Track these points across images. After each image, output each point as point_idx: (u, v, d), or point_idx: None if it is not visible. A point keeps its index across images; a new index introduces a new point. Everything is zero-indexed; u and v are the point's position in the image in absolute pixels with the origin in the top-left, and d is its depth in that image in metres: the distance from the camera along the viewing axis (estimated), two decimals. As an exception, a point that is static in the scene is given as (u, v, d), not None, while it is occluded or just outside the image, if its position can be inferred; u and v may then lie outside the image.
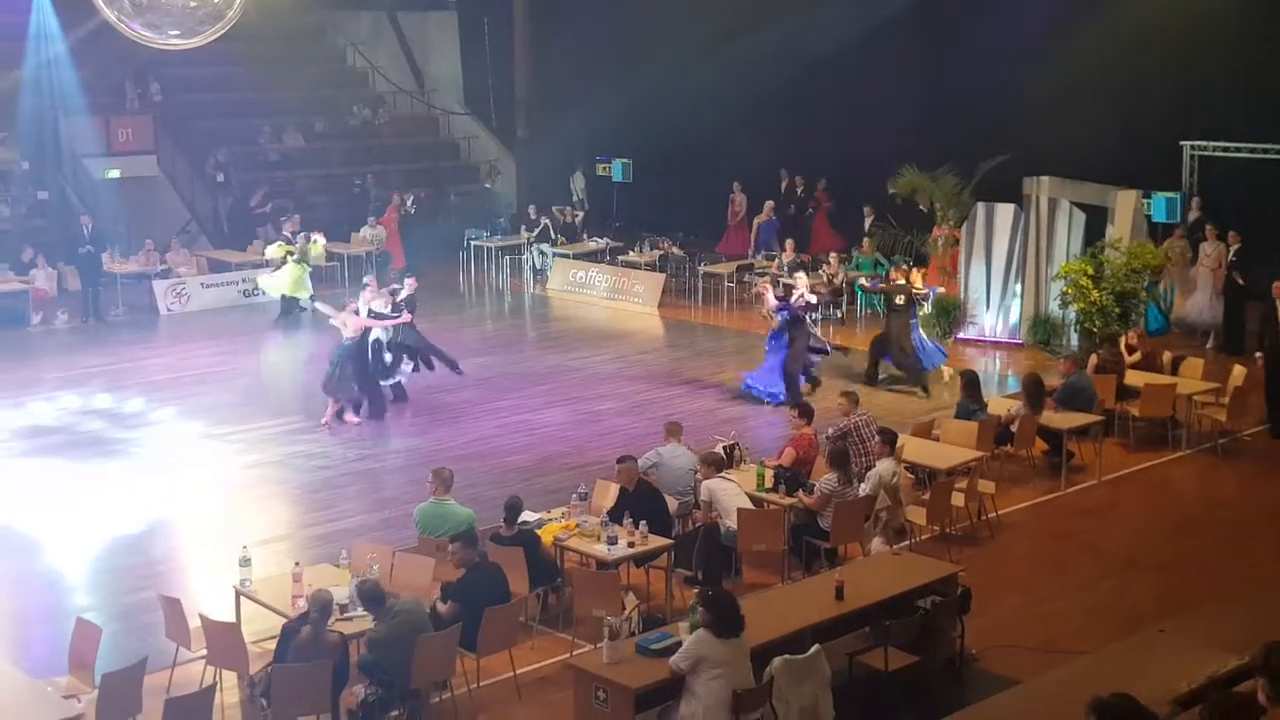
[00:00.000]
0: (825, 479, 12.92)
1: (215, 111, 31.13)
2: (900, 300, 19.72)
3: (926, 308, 21.34)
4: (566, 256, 27.50)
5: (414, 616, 10.32)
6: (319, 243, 25.07)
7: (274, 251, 24.86)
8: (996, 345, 22.02)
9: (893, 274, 20.74)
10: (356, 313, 18.09)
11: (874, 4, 25.03)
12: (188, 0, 16.43)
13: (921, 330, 20.12)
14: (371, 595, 10.28)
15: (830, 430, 14.50)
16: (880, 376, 19.81)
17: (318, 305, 18.68)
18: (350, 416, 18.01)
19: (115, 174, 28.91)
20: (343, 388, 17.91)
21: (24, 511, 15.02)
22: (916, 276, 20.45)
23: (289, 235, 25.24)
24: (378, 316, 18.31)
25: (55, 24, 26.41)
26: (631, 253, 27.29)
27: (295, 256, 24.28)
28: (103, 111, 28.82)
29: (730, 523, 12.67)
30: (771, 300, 19.10)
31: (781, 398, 18.41)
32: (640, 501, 12.55)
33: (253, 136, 30.74)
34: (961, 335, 22.17)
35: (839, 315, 23.84)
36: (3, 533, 14.48)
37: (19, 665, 10.41)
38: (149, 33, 16.62)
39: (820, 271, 23.97)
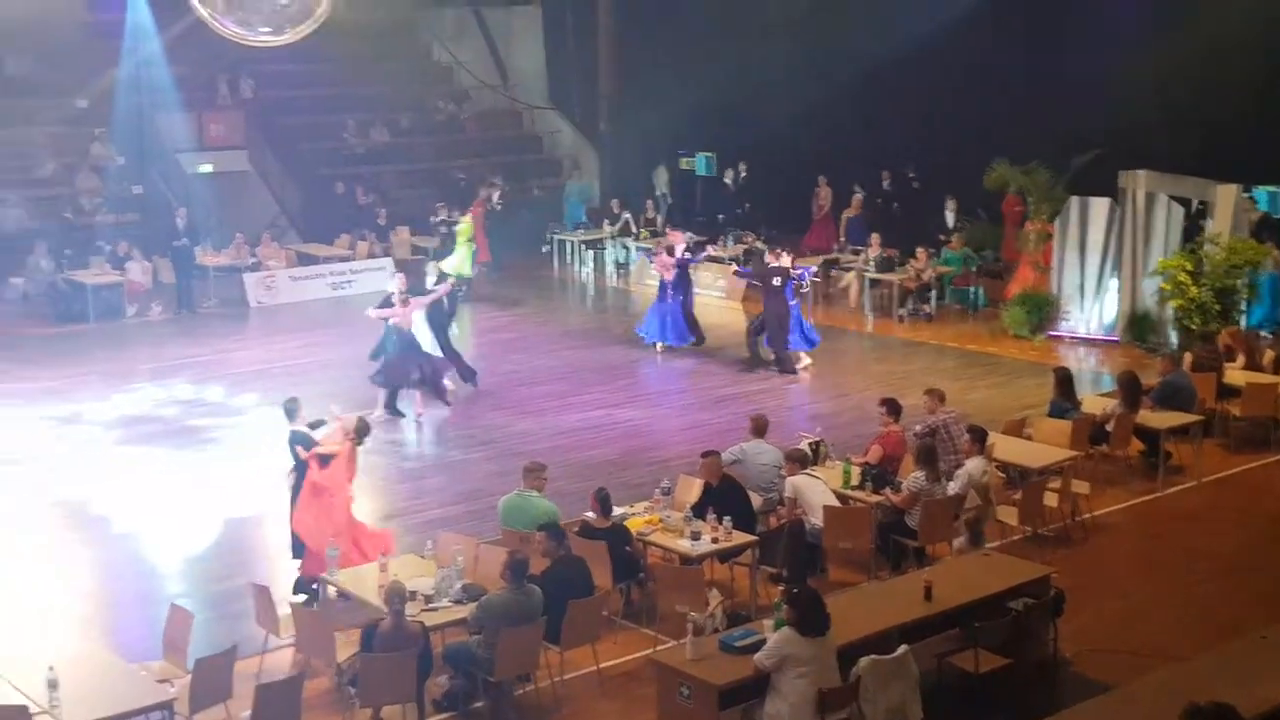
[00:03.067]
0: (913, 477, 12.79)
1: (304, 107, 31.43)
2: (777, 282, 20.07)
3: (805, 287, 21.89)
4: (649, 250, 27.42)
5: (535, 604, 10.38)
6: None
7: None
8: (1090, 342, 21.68)
9: (769, 256, 21.24)
10: (404, 302, 18.07)
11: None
12: (278, -1, 16.59)
13: (801, 312, 20.75)
14: (519, 567, 10.35)
15: (918, 427, 14.34)
16: (761, 358, 20.45)
17: (368, 311, 18.73)
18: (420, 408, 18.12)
19: (207, 169, 29.29)
20: (400, 376, 17.89)
21: (119, 499, 15.27)
22: (787, 259, 20.70)
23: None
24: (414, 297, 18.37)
25: (151, 22, 26.78)
26: (714, 247, 27.17)
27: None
28: (196, 107, 29.20)
29: (816, 520, 12.58)
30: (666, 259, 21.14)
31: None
32: (724, 497, 12.50)
33: (339, 132, 31.00)
34: (1054, 332, 21.87)
35: (928, 311, 23.58)
36: (99, 520, 14.75)
37: (115, 649, 10.58)
38: (241, 30, 16.82)
39: (908, 266, 23.73)
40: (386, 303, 18.17)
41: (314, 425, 13.17)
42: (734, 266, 25.19)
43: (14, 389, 19.53)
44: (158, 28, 26.65)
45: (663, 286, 21.65)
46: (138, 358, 21.42)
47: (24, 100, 27.89)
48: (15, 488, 15.64)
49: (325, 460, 12.66)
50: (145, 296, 24.64)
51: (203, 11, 16.06)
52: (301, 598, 12.08)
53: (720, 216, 29.03)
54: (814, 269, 23.05)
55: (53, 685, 9.00)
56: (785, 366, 20.10)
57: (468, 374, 19.23)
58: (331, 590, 11.60)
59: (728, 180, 28.89)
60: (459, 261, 24.74)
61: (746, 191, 29.52)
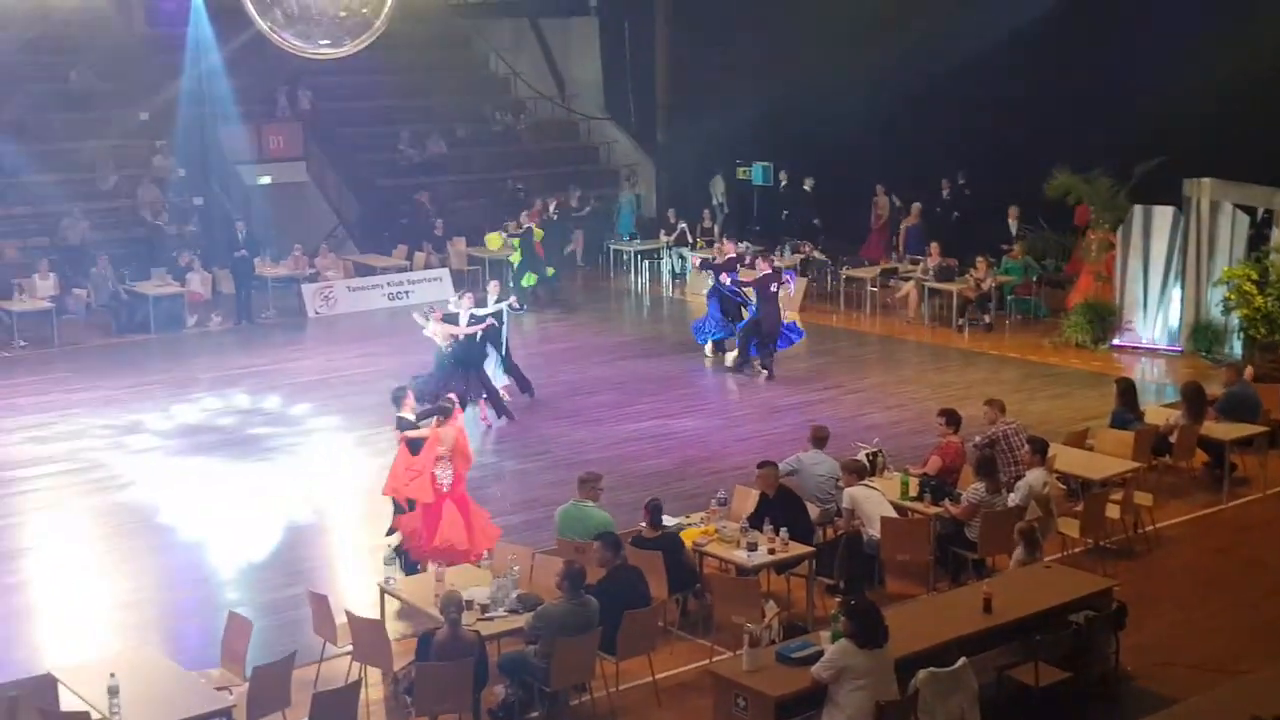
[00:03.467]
0: (972, 488, 12.67)
1: (362, 119, 31.65)
2: (775, 289, 20.46)
3: (790, 287, 22.08)
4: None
5: (592, 614, 10.37)
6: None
7: (493, 241, 25.63)
8: (1153, 352, 21.45)
9: (760, 264, 21.43)
10: (443, 320, 18.09)
11: (1024, 2, 24.50)
12: (337, 10, 16.66)
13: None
14: (576, 577, 10.36)
15: (977, 438, 14.21)
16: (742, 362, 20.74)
17: (414, 315, 18.77)
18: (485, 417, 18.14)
19: (266, 180, 29.56)
20: (448, 386, 17.85)
21: (179, 508, 15.39)
22: (779, 262, 21.63)
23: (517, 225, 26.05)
24: (473, 321, 18.26)
25: (211, 35, 27.05)
26: (771, 256, 27.06)
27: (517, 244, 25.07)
28: (255, 120, 29.49)
29: (873, 531, 12.49)
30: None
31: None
32: (781, 507, 12.44)
33: (396, 143, 31.18)
34: (1116, 342, 21.64)
35: (987, 320, 23.39)
36: (159, 528, 14.87)
37: (174, 657, 10.63)
38: (300, 42, 16.90)
39: (968, 276, 23.54)
40: (451, 319, 18.24)
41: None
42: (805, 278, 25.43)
43: (77, 398, 19.75)
44: (218, 41, 26.91)
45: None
46: (198, 367, 21.61)
47: (87, 114, 28.27)
48: (77, 496, 15.82)
49: (415, 445, 13.06)
50: (205, 307, 24.85)
51: (263, 24, 16.14)
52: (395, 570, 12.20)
53: (785, 213, 28.97)
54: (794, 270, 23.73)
55: (113, 692, 9.06)
56: (766, 363, 20.52)
57: (524, 385, 19.24)
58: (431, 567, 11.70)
59: (807, 187, 28.68)
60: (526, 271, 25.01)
61: (794, 200, 29.41)
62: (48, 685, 9.81)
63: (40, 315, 23.34)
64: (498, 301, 19.00)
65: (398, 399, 14.00)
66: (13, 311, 23.04)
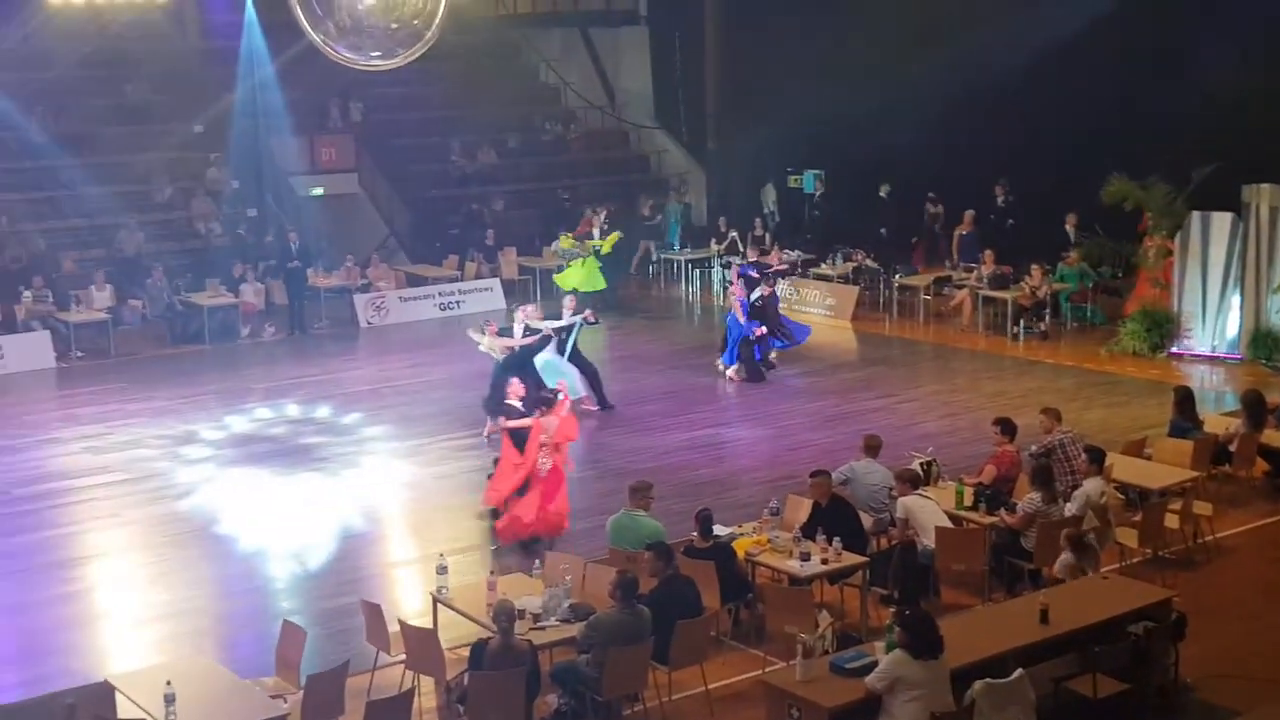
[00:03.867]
0: (1028, 498, 12.56)
1: (412, 130, 31.79)
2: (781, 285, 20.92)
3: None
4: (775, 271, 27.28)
5: (644, 623, 10.34)
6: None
7: (562, 244, 25.72)
8: (1212, 360, 21.20)
9: (772, 257, 22.71)
10: (498, 333, 18.04)
11: (1080, 6, 24.29)
12: (389, 22, 16.74)
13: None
14: (629, 586, 10.34)
15: (1033, 447, 14.08)
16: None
17: (468, 331, 18.78)
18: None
19: (319, 191, 29.75)
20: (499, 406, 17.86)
21: (233, 517, 15.49)
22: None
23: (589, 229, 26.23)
24: (528, 333, 18.22)
25: (265, 48, 27.25)
26: (824, 265, 27.00)
27: (591, 249, 25.22)
28: (307, 131, 29.71)
29: (928, 541, 12.40)
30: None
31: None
32: (834, 517, 12.38)
33: (447, 154, 31.30)
34: (1174, 350, 21.40)
35: (1042, 328, 23.19)
36: (214, 537, 14.98)
37: (229, 665, 10.69)
38: (352, 54, 16.99)
39: (1023, 283, 23.33)
40: (505, 333, 18.27)
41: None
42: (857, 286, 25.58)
43: (133, 408, 19.93)
44: (271, 54, 27.11)
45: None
46: (251, 378, 21.75)
47: (143, 126, 28.54)
48: (133, 505, 15.93)
49: (519, 436, 14.11)
50: (259, 318, 25.02)
51: (315, 37, 16.24)
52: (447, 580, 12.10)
53: (815, 212, 28.94)
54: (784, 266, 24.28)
55: (169, 700, 9.11)
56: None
57: (603, 402, 19.22)
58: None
59: (882, 194, 28.51)
60: (587, 276, 25.15)
61: (830, 206, 29.34)
62: (105, 693, 9.89)
63: (97, 326, 23.58)
64: (574, 315, 19.00)
65: (504, 388, 15.22)
66: (70, 323, 23.27)
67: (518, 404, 14.97)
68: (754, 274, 21.75)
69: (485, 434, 17.76)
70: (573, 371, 18.58)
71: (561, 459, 13.99)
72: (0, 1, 26.75)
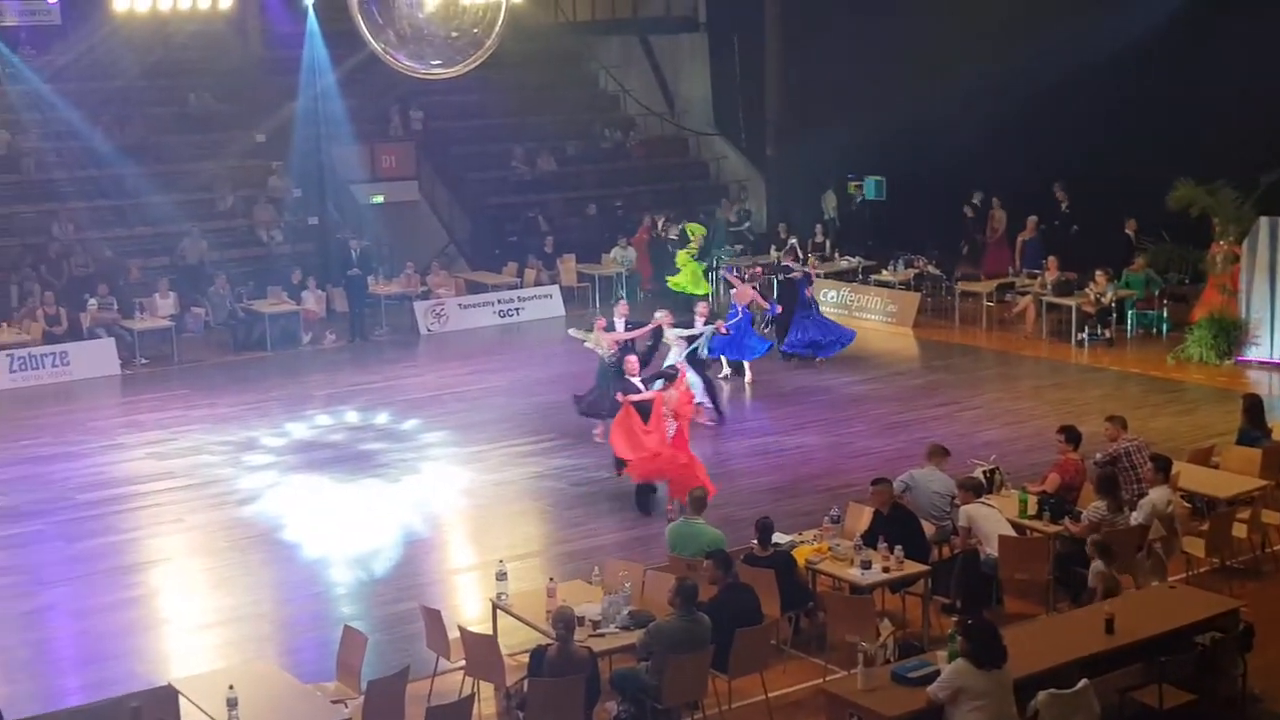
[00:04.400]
0: (1093, 506, 12.41)
1: (472, 137, 31.94)
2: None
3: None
4: (818, 275, 27.20)
5: (704, 631, 10.29)
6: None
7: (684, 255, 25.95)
8: (1280, 367, 20.92)
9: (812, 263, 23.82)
10: (607, 328, 18.06)
11: (1143, 9, 24.01)
12: (449, 31, 16.83)
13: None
14: (689, 594, 10.29)
15: (1098, 455, 13.91)
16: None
17: (570, 331, 18.85)
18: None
19: (379, 199, 29.93)
20: (604, 405, 17.89)
21: (294, 523, 15.59)
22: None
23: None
24: (631, 329, 18.29)
25: (326, 57, 27.45)
26: (885, 271, 26.85)
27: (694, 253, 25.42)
28: (368, 139, 29.90)
29: (991, 550, 12.27)
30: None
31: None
32: (895, 525, 12.28)
33: (506, 161, 31.40)
34: (1242, 357, 21.11)
35: (1107, 335, 22.93)
36: (275, 543, 15.07)
37: (290, 669, 10.76)
38: (412, 63, 17.10)
39: (1087, 290, 23.08)
40: (630, 326, 18.33)
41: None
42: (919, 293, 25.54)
43: (196, 414, 20.11)
44: (333, 62, 27.31)
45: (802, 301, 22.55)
46: (312, 384, 21.90)
47: (206, 135, 28.87)
48: (195, 510, 16.07)
49: (644, 409, 15.39)
50: (320, 325, 25.18)
51: (376, 46, 16.36)
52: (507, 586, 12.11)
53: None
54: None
55: (232, 704, 9.16)
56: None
57: (720, 415, 19.12)
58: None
59: (976, 201, 28.34)
60: (693, 280, 25.37)
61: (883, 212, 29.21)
62: (168, 697, 9.97)
63: (160, 333, 23.81)
64: (707, 324, 18.99)
65: (622, 365, 16.55)
66: (134, 330, 23.51)
67: (636, 381, 16.30)
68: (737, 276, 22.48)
69: (597, 435, 17.83)
70: (698, 381, 18.54)
71: (683, 426, 15.27)
72: (67, 13, 27.12)
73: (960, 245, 28.00)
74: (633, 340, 18.13)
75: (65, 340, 22.99)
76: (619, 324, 18.25)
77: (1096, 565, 11.43)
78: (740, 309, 20.89)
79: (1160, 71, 25.00)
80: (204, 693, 9.70)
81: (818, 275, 24.65)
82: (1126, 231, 24.48)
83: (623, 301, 19.26)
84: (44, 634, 12.90)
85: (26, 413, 20.54)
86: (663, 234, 28.99)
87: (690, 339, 18.73)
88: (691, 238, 26.49)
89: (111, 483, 17.11)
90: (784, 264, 24.15)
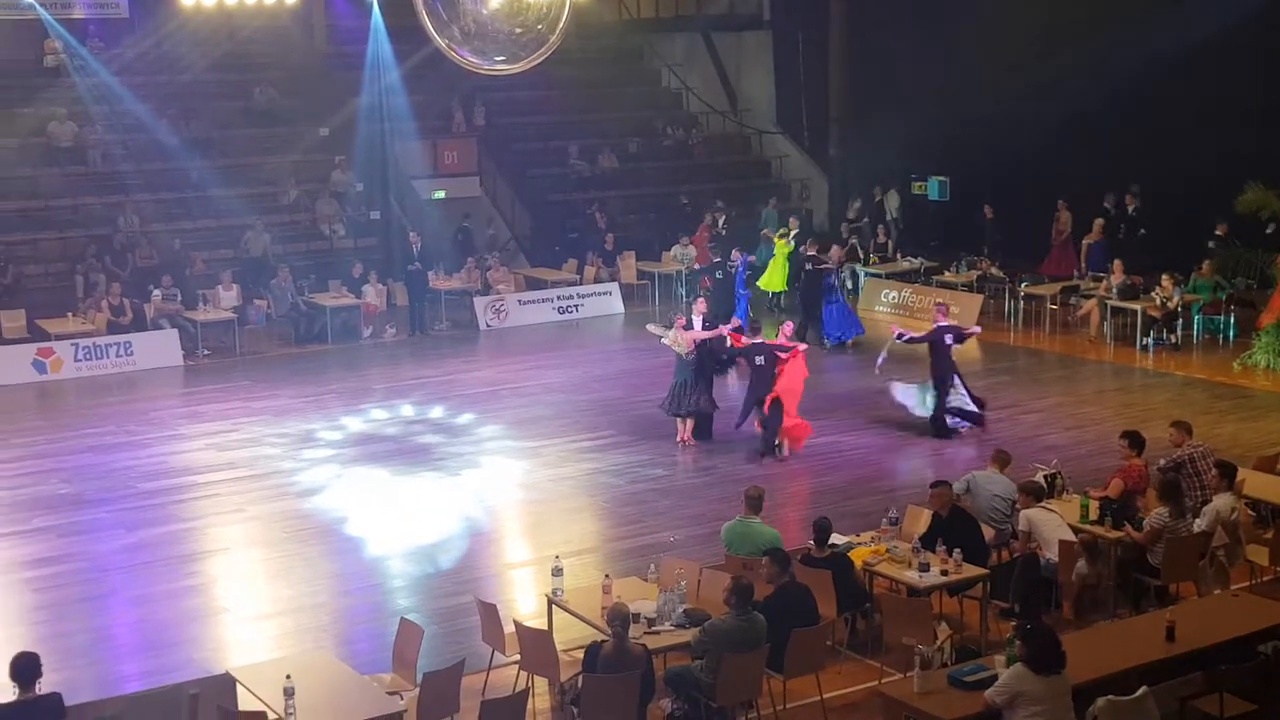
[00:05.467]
0: (1156, 513, 12.25)
1: (534, 134, 32.03)
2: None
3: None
4: (879, 276, 27.09)
5: (760, 630, 10.26)
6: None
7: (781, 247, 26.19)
8: (1352, 376, 20.58)
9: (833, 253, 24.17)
10: (686, 327, 17.97)
11: (1217, 8, 23.67)
12: (513, 27, 16.82)
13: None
14: (745, 592, 10.26)
15: (1162, 461, 13.74)
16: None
17: (649, 326, 18.87)
18: (686, 436, 17.97)
19: (441, 195, 30.06)
20: (691, 404, 17.89)
21: (352, 515, 15.67)
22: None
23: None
24: (709, 327, 18.23)
25: (390, 53, 27.61)
26: (947, 273, 26.66)
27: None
28: (430, 135, 30.02)
29: (1051, 555, 12.14)
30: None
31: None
32: (954, 528, 12.18)
33: (568, 158, 31.44)
34: (1313, 366, 20.83)
35: (1173, 340, 22.66)
36: (333, 534, 15.16)
37: (347, 660, 10.82)
38: (476, 59, 17.09)
39: (1153, 294, 22.81)
40: (708, 324, 18.29)
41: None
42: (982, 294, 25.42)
43: (257, 406, 20.28)
44: (396, 58, 27.45)
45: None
46: (372, 378, 22.02)
47: (270, 129, 29.10)
48: (255, 501, 16.20)
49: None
50: (380, 319, 25.32)
51: (440, 42, 16.36)
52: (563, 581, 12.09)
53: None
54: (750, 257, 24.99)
55: (289, 693, 9.21)
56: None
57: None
58: None
59: (987, 211, 28.12)
60: (779, 276, 25.60)
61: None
62: (226, 685, 10.03)
63: (223, 325, 24.03)
64: (706, 324, 18.92)
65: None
66: (197, 321, 23.73)
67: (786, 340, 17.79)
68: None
69: (680, 440, 17.88)
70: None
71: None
72: (135, 7, 27.43)
73: (981, 247, 27.81)
74: (710, 339, 18.09)
75: (129, 331, 23.25)
76: (697, 322, 18.17)
77: (1080, 567, 11.55)
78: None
79: (1232, 73, 24.65)
80: (261, 681, 9.77)
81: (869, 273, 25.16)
82: (1217, 233, 24.08)
83: (701, 299, 19.16)
84: (104, 621, 13.04)
85: (90, 402, 20.81)
86: (723, 232, 28.94)
87: (716, 325, 18.57)
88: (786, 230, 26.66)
89: (173, 472, 17.28)
90: (808, 254, 24.22)
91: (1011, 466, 13.62)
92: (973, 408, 18.31)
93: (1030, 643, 9.07)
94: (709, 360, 18.16)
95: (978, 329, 19.90)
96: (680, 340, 17.74)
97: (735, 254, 24.19)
